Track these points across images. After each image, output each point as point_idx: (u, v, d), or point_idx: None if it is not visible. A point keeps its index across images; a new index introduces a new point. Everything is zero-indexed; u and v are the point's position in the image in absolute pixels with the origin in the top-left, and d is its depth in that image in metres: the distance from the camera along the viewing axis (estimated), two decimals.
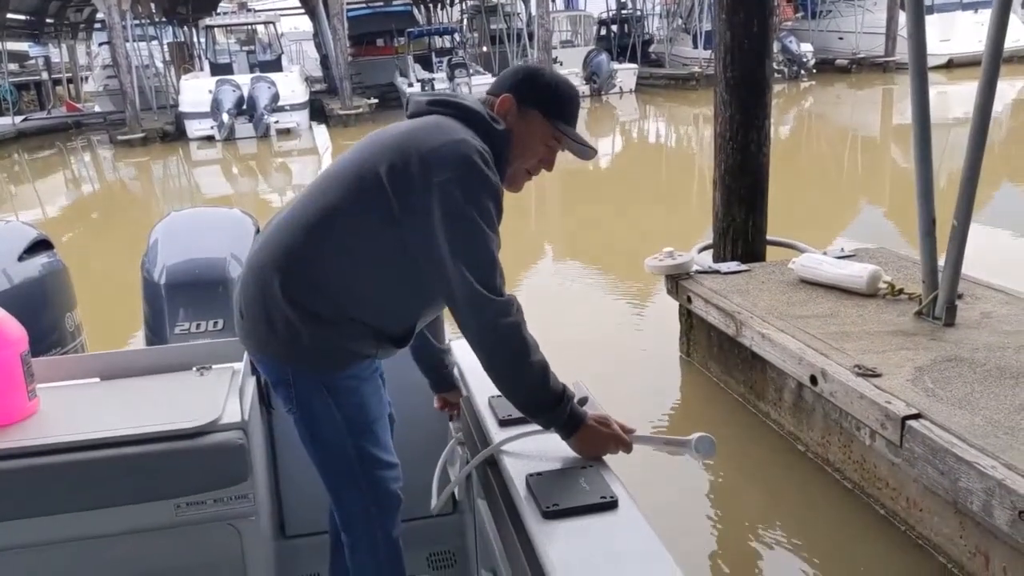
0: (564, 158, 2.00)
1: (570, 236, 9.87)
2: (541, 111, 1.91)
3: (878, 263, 4.69)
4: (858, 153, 14.21)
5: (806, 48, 25.28)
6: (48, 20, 28.76)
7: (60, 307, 3.08)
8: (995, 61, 3.65)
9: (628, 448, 1.78)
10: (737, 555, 3.32)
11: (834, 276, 4.54)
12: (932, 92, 4.04)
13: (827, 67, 25.73)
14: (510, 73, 2.00)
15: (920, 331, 3.87)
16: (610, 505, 1.55)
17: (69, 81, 33.31)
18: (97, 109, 26.89)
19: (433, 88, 20.45)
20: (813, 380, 3.59)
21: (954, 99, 17.15)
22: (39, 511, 1.89)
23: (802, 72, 24.89)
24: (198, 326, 2.69)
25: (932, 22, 17.34)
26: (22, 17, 27.06)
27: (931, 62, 4.16)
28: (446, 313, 2.22)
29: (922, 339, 3.77)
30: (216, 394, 2.06)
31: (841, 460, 3.65)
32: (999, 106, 4.25)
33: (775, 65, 21.87)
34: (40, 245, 3.07)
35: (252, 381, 2.24)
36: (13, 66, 30.43)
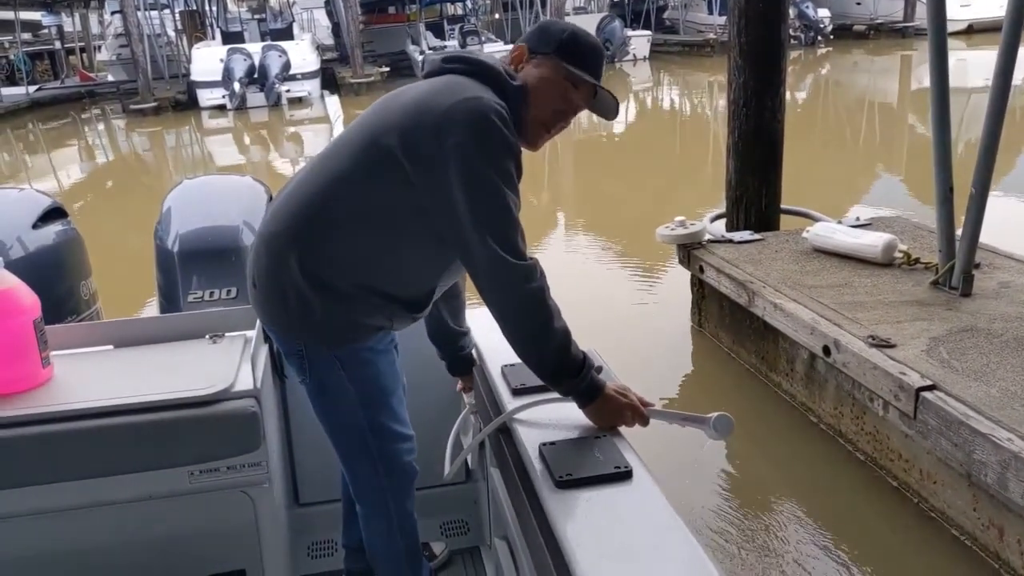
0: (581, 123, 1.95)
1: (581, 204, 9.81)
2: (554, 54, 1.84)
3: (894, 232, 4.65)
4: (875, 121, 14.03)
5: (823, 13, 24.93)
6: None
7: (75, 275, 3.08)
8: (1016, 27, 3.58)
9: (644, 421, 1.76)
10: (749, 526, 3.33)
11: (849, 245, 4.50)
12: (951, 58, 3.97)
13: (844, 33, 25.36)
14: (528, 29, 1.98)
15: (936, 301, 3.83)
16: (624, 475, 1.54)
17: (82, 50, 33.18)
18: (110, 78, 26.77)
19: None
20: (826, 351, 3.57)
21: (973, 66, 16.88)
22: (52, 478, 1.90)
23: (819, 38, 24.58)
24: (211, 294, 2.68)
25: None
26: None
27: (950, 27, 4.08)
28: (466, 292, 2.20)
29: (938, 309, 3.74)
30: (229, 362, 2.06)
31: (854, 431, 3.64)
32: (1020, 73, 4.17)
33: (791, 31, 21.64)
34: (54, 213, 3.07)
35: (265, 349, 2.24)
36: (26, 35, 30.35)
